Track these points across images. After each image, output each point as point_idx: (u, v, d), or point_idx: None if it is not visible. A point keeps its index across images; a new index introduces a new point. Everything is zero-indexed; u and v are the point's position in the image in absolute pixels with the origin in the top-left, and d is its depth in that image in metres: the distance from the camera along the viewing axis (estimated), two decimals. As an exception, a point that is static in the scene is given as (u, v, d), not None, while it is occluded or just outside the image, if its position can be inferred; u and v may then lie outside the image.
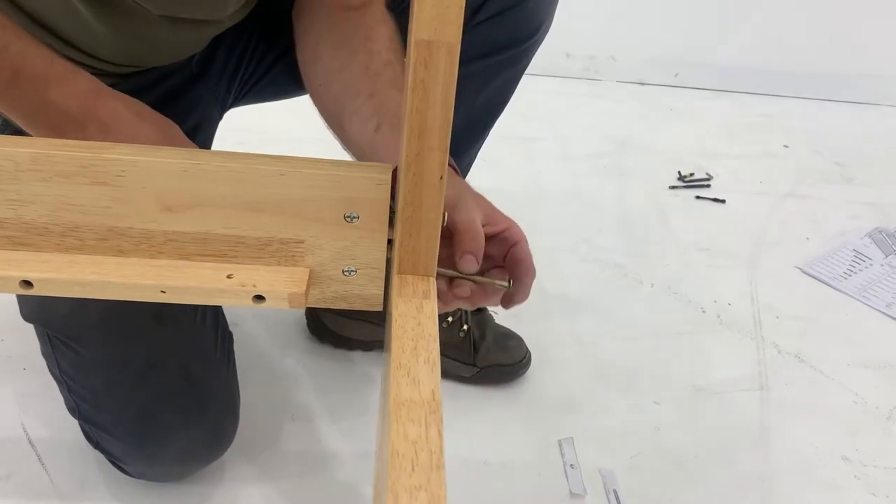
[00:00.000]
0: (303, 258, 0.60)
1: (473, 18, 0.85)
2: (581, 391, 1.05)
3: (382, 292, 0.62)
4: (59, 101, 0.60)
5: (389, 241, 0.58)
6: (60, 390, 0.78)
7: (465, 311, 1.03)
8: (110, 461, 0.82)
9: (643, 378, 1.09)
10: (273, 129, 1.59)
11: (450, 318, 1.01)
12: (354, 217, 0.57)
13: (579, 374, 1.08)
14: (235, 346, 0.86)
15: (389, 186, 0.56)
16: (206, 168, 0.56)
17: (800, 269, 1.37)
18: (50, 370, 0.78)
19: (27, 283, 0.58)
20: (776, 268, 1.37)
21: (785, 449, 1.00)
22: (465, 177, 1.02)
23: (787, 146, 1.85)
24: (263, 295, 0.57)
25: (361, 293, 0.61)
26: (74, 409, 0.79)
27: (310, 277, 0.59)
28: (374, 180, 0.55)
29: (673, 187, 1.60)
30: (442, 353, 1.02)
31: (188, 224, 0.57)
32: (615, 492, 0.90)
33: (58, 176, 0.55)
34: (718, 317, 1.23)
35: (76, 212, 0.57)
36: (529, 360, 1.04)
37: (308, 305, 0.60)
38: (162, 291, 0.58)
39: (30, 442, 0.88)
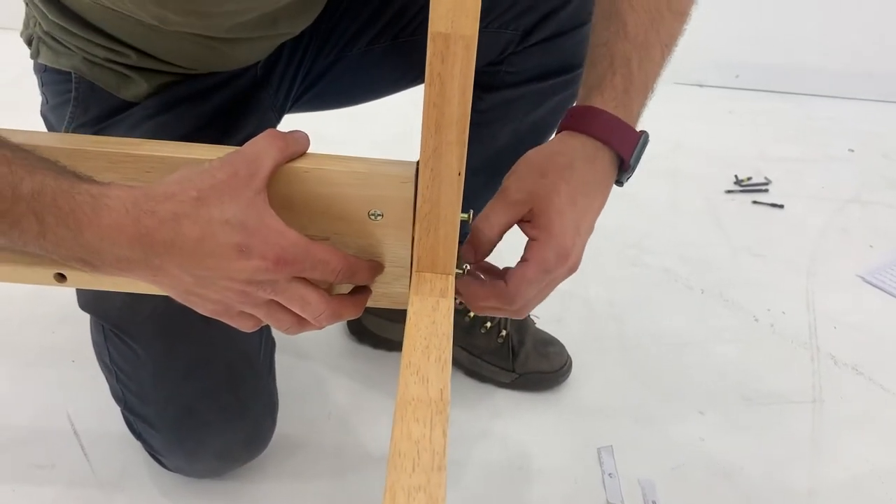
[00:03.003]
0: (328, 255, 0.59)
1: (525, 41, 0.83)
2: (623, 398, 1.03)
3: (408, 290, 0.61)
4: (96, 245, 0.46)
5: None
6: (108, 379, 0.80)
7: (504, 317, 1.02)
8: (150, 454, 0.83)
9: (689, 387, 1.05)
10: (325, 135, 1.61)
11: (488, 324, 1.00)
12: (379, 215, 0.57)
13: (622, 380, 1.06)
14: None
15: (414, 184, 0.55)
16: (233, 164, 0.56)
17: (862, 277, 1.31)
18: (100, 359, 0.80)
19: (61, 276, 0.59)
20: (836, 276, 1.31)
21: (837, 465, 0.95)
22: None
23: (852, 150, 1.78)
24: (288, 292, 0.57)
25: (387, 291, 0.61)
26: (120, 399, 0.80)
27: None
28: (399, 178, 0.55)
29: (729, 191, 1.56)
30: (480, 358, 1.01)
31: (215, 220, 0.58)
32: (654, 503, 0.88)
33: (90, 172, 0.56)
34: (771, 325, 1.18)
35: None
36: (570, 367, 1.02)
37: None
38: (188, 287, 0.58)
39: (75, 432, 0.91)
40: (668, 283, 1.25)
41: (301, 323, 0.54)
